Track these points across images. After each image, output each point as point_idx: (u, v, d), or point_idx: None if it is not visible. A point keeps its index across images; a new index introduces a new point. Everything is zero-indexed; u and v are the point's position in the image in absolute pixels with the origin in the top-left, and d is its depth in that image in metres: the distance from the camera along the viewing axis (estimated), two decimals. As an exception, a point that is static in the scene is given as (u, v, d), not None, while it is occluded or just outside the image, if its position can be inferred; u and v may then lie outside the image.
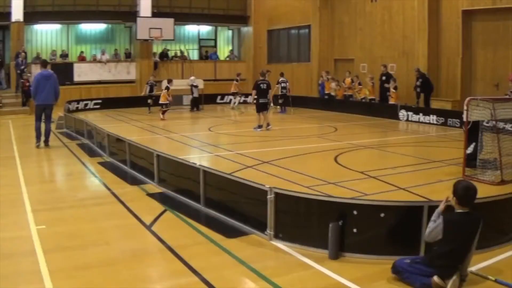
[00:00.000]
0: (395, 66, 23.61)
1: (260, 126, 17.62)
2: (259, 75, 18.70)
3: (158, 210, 8.27)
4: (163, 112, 21.89)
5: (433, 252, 5.58)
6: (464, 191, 5.46)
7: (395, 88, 21.90)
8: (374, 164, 11.77)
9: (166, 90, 22.51)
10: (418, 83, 21.47)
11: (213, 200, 8.15)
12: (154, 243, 6.78)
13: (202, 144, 14.97)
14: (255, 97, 17.76)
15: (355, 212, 6.27)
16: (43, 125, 14.50)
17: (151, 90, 25.11)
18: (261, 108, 17.73)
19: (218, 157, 12.85)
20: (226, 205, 7.85)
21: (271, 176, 10.46)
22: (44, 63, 14.76)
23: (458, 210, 5.51)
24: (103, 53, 30.03)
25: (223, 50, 35.50)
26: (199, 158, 12.78)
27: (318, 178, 10.22)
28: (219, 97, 30.27)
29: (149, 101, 24.79)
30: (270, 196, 6.77)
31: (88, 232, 7.21)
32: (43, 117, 14.32)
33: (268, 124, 17.80)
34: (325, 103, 25.64)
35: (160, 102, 22.29)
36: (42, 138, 14.49)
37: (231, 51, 34.99)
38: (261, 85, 17.66)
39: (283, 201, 6.77)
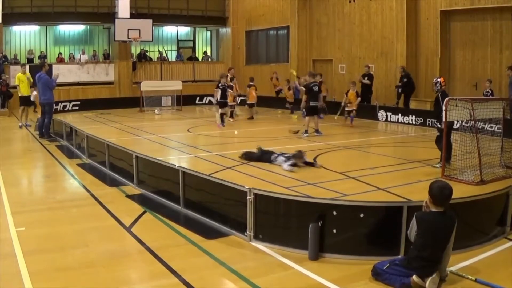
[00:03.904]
0: (373, 66, 23.73)
1: (306, 132, 16.69)
2: (309, 77, 17.55)
3: (137, 211, 8.23)
4: (231, 115, 21.08)
5: (410, 253, 5.62)
6: (438, 191, 5.49)
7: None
8: (354, 165, 11.82)
9: (230, 89, 21.68)
10: (400, 83, 21.37)
11: (193, 201, 8.14)
12: (133, 245, 6.74)
13: (181, 145, 14.91)
14: (305, 100, 17.11)
15: (334, 213, 6.29)
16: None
17: (223, 96, 19.46)
18: (312, 111, 16.86)
19: (197, 158, 12.80)
20: (206, 206, 7.84)
21: (251, 177, 10.45)
22: (39, 66, 17.59)
23: (433, 209, 5.55)
24: (83, 53, 29.80)
25: (202, 51, 35.42)
26: (178, 159, 12.73)
27: (297, 179, 10.24)
28: (197, 98, 30.21)
29: (221, 111, 19.40)
30: (250, 197, 6.77)
31: (68, 234, 7.15)
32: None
33: (317, 130, 16.81)
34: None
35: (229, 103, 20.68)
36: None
37: (205, 53, 34.90)
38: (314, 87, 16.85)
39: (262, 202, 6.78)
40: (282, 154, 11.65)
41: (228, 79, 20.25)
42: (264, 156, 11.94)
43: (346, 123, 19.07)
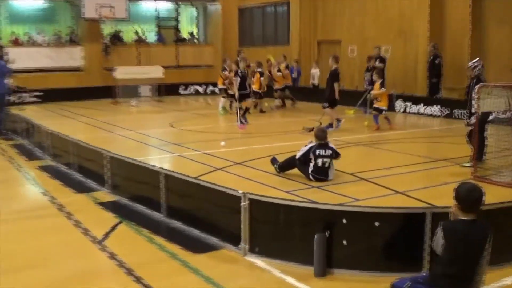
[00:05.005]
0: (389, 48, 23.65)
1: (331, 125, 16.74)
2: (333, 61, 17.13)
3: (110, 222, 8.21)
4: (256, 105, 21.02)
5: (436, 270, 5.53)
6: (466, 194, 5.30)
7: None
8: (366, 164, 11.83)
9: (260, 75, 21.69)
10: (432, 62, 21.02)
11: (177, 209, 8.14)
12: (106, 262, 6.72)
13: (162, 142, 14.88)
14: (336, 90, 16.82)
15: (344, 221, 6.28)
16: None
17: (242, 86, 18.54)
18: (335, 102, 16.93)
19: (182, 158, 12.79)
20: (192, 214, 7.84)
21: (245, 179, 10.47)
22: None
23: (462, 217, 5.43)
24: (43, 34, 29.69)
25: (187, 32, 35.38)
26: (159, 159, 12.75)
27: (300, 182, 10.26)
28: (182, 87, 30.17)
29: (244, 105, 18.68)
30: (244, 203, 6.75)
31: (24, 251, 7.11)
32: None
33: (339, 120, 16.99)
34: (308, 93, 25.72)
35: (254, 89, 20.90)
36: None
37: (191, 33, 34.87)
38: (339, 74, 16.92)
39: (259, 208, 6.78)
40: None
41: (240, 64, 18.98)
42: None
43: (377, 125, 17.48)
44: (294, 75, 26.34)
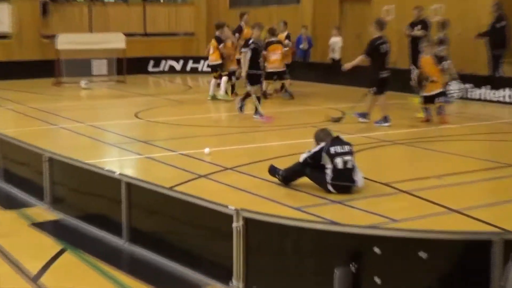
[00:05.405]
0: (441, 7, 23.55)
1: (364, 115, 17.01)
2: (376, 28, 17.10)
3: (51, 250, 8.15)
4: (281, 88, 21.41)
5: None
6: None
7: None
8: (408, 171, 11.86)
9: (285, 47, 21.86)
10: (493, 27, 21.10)
11: (143, 233, 8.13)
12: (43, 307, 6.71)
13: (124, 139, 14.90)
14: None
15: (377, 250, 6.26)
16: None
17: (254, 63, 18.34)
18: (381, 85, 16.89)
19: (152, 161, 12.81)
20: (165, 239, 7.84)
21: (239, 190, 10.51)
22: None
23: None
24: None
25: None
26: (120, 162, 12.82)
27: (314, 194, 10.25)
28: (151, 62, 30.22)
29: (255, 90, 18.56)
30: (237, 224, 6.73)
31: None
32: None
33: (386, 118, 16.83)
34: (323, 71, 25.74)
35: (270, 70, 21.19)
36: None
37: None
38: (381, 46, 16.75)
39: (258, 231, 6.76)
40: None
41: (254, 32, 18.91)
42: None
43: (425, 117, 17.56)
44: (303, 46, 26.31)
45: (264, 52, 19.53)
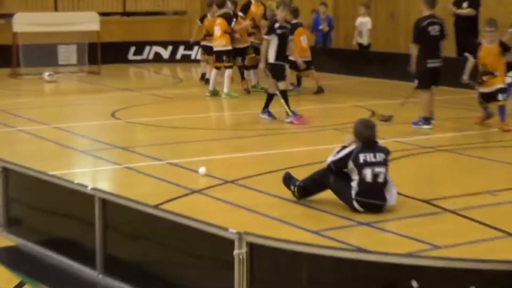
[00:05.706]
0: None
1: (428, 120, 16.78)
2: (425, 5, 17.25)
3: (5, 284, 8.19)
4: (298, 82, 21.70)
5: None
6: None
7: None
8: (453, 184, 11.89)
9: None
10: None
11: (122, 262, 8.17)
12: None
13: (99, 145, 14.95)
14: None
15: (415, 285, 6.29)
16: None
17: (281, 52, 18.49)
18: (429, 77, 16.87)
19: (133, 172, 12.86)
20: (148, 270, 7.87)
21: (241, 209, 10.54)
22: None
23: None
24: None
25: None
26: (92, 174, 12.88)
27: (335, 214, 10.27)
28: (132, 48, 30.33)
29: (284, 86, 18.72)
30: (240, 251, 6.76)
31: None
32: None
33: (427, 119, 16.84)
34: (348, 59, 25.85)
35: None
36: None
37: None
38: (430, 28, 16.85)
39: (265, 260, 6.81)
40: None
41: (279, 13, 18.52)
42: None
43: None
44: (322, 27, 26.29)
45: (291, 37, 19.04)
